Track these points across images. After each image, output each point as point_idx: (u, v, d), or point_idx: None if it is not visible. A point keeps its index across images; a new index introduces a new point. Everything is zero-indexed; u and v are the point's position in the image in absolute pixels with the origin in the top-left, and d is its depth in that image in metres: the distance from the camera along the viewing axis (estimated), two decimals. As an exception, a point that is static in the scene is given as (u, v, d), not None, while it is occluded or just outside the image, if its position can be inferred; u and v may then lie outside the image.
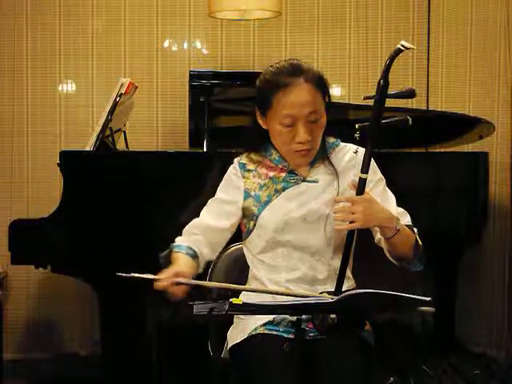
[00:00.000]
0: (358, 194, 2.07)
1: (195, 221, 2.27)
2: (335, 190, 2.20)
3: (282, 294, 1.95)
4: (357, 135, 2.12)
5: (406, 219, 2.18)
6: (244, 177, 2.25)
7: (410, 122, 2.10)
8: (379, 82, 2.04)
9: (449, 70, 4.43)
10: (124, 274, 1.89)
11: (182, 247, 2.17)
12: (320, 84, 2.15)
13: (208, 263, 2.44)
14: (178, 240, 2.22)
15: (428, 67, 4.45)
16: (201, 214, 2.28)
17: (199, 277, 2.19)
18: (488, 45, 4.33)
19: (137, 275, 1.90)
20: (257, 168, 2.25)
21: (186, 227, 2.27)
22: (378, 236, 2.18)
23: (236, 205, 2.24)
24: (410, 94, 2.12)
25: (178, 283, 1.96)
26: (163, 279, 1.96)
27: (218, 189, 2.29)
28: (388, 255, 2.18)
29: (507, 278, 4.26)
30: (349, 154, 2.25)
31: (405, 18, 4.45)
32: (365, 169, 2.07)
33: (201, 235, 2.23)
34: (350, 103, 4.22)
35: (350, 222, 2.04)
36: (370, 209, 2.04)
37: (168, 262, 2.13)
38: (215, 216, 2.25)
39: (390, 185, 2.25)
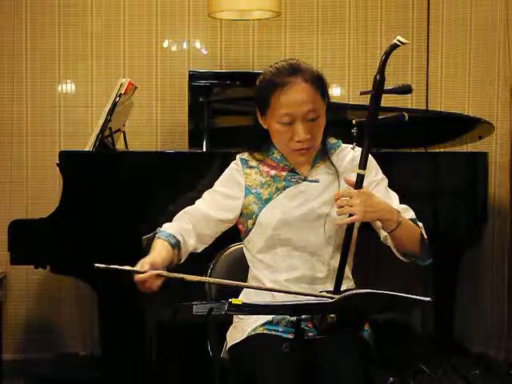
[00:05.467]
0: (356, 189, 2.07)
1: (189, 208, 2.24)
2: (336, 190, 2.20)
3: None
4: (354, 131, 2.13)
5: (409, 214, 2.18)
6: (245, 173, 2.25)
7: (407, 117, 2.11)
8: (375, 77, 2.05)
9: (448, 70, 4.44)
10: (102, 266, 1.88)
11: (165, 234, 2.14)
12: (319, 83, 2.16)
13: (206, 263, 2.45)
14: (165, 226, 2.19)
15: (427, 67, 4.45)
16: (196, 203, 2.26)
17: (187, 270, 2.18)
18: (487, 45, 4.33)
19: (116, 267, 1.89)
20: (259, 165, 2.26)
21: (179, 214, 2.24)
22: (383, 234, 2.18)
23: (236, 201, 2.23)
24: (406, 89, 2.13)
25: (158, 275, 1.94)
26: (144, 271, 1.94)
27: (218, 182, 2.27)
28: (395, 252, 2.17)
29: (507, 278, 4.26)
30: (350, 155, 2.25)
31: (404, 18, 4.45)
32: (362, 165, 2.08)
33: (191, 224, 2.20)
34: (349, 103, 4.23)
35: (350, 216, 2.05)
36: (369, 202, 2.05)
37: (150, 245, 2.12)
38: (214, 207, 2.23)
39: (389, 185, 2.26)
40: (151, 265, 1.97)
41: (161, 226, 2.20)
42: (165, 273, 1.95)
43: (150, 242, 2.14)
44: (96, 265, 1.89)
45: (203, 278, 1.92)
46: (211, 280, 1.98)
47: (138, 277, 1.94)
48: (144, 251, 2.11)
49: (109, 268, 1.88)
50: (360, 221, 2.07)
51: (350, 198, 2.04)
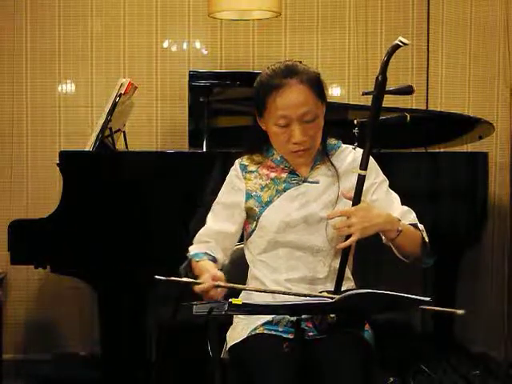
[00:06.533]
0: (357, 190, 2.08)
1: (204, 229, 2.27)
2: (336, 191, 2.20)
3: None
4: (355, 131, 2.13)
5: (410, 217, 2.19)
6: (245, 178, 2.25)
7: (409, 118, 2.11)
8: (377, 78, 2.05)
9: (448, 70, 4.43)
10: (163, 278, 1.88)
11: (201, 255, 2.17)
12: (316, 85, 2.15)
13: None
14: (193, 249, 2.21)
15: (428, 67, 4.45)
16: (207, 220, 2.28)
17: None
18: (487, 45, 4.33)
19: (176, 279, 1.91)
20: (258, 169, 2.26)
21: (196, 236, 2.27)
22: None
23: (239, 207, 2.24)
24: (407, 90, 2.13)
25: (218, 286, 1.95)
26: (204, 282, 1.95)
27: (221, 192, 2.29)
28: (397, 254, 2.18)
29: (507, 278, 4.26)
30: (350, 156, 2.25)
31: (404, 18, 4.45)
32: (364, 165, 2.08)
33: (213, 241, 2.23)
34: (349, 103, 4.23)
35: (348, 236, 2.05)
36: (367, 217, 2.04)
37: (188, 272, 2.13)
38: (222, 221, 2.25)
39: (389, 185, 2.26)
40: (213, 277, 1.98)
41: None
42: (222, 283, 1.97)
43: (188, 268, 2.15)
44: (156, 277, 1.88)
45: (258, 289, 2.02)
46: (269, 291, 2.05)
47: (198, 287, 1.96)
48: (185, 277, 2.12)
49: (169, 280, 1.89)
50: (359, 238, 2.05)
51: (348, 218, 2.04)
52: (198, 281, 1.96)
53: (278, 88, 2.12)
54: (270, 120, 2.16)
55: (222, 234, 2.24)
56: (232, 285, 2.00)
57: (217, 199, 2.29)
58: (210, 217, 2.29)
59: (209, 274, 1.99)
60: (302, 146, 2.15)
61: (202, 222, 2.30)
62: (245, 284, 2.29)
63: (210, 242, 2.23)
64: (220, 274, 2.02)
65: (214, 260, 2.18)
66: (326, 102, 2.19)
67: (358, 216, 2.03)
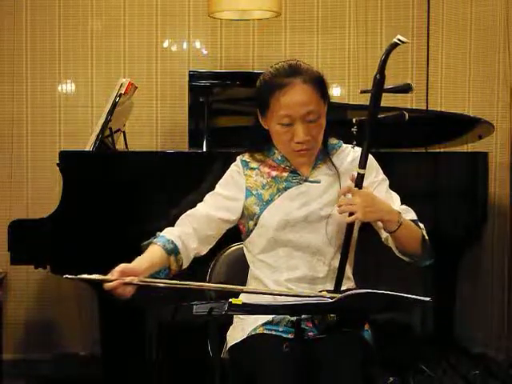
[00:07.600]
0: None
1: (190, 211, 2.23)
2: (337, 190, 2.20)
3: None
4: (354, 130, 2.13)
5: (410, 215, 2.18)
6: (246, 175, 2.25)
7: (407, 116, 2.11)
8: (375, 76, 2.05)
9: (448, 69, 4.44)
10: (71, 276, 1.88)
11: (162, 239, 2.13)
12: (319, 84, 2.15)
13: (206, 263, 2.45)
14: (166, 231, 2.18)
15: (428, 67, 4.45)
16: (197, 206, 2.25)
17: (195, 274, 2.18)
18: (488, 45, 4.33)
19: (85, 276, 1.89)
20: (259, 166, 2.25)
21: (180, 218, 2.22)
22: (384, 234, 2.18)
23: (238, 202, 2.23)
24: (406, 88, 2.13)
25: (129, 283, 1.93)
26: (112, 280, 1.93)
27: (218, 185, 2.27)
28: (397, 252, 2.18)
29: (507, 278, 4.26)
30: (351, 155, 2.25)
31: (404, 17, 4.45)
32: (362, 164, 2.09)
33: (192, 228, 2.18)
34: (349, 103, 4.23)
35: (350, 215, 2.05)
36: (370, 202, 2.05)
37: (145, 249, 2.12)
38: (215, 208, 2.22)
39: (390, 185, 2.26)
40: (122, 273, 1.95)
41: (161, 230, 2.20)
42: (135, 279, 1.94)
43: (147, 247, 2.14)
44: (65, 276, 1.89)
45: (174, 283, 1.91)
46: (175, 284, 1.92)
47: (106, 285, 1.94)
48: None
49: (79, 278, 1.89)
50: (361, 220, 2.08)
51: (352, 195, 2.05)
52: (106, 277, 1.93)
53: (282, 87, 2.13)
54: (272, 119, 2.16)
55: (208, 218, 2.20)
56: (143, 282, 1.94)
57: (213, 191, 2.26)
58: (200, 204, 2.25)
59: (117, 270, 1.96)
60: (304, 145, 2.15)
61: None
62: (245, 285, 2.29)
63: (188, 229, 2.18)
64: (133, 267, 1.98)
65: (174, 250, 2.11)
66: (328, 102, 2.19)
67: (361, 197, 2.04)
